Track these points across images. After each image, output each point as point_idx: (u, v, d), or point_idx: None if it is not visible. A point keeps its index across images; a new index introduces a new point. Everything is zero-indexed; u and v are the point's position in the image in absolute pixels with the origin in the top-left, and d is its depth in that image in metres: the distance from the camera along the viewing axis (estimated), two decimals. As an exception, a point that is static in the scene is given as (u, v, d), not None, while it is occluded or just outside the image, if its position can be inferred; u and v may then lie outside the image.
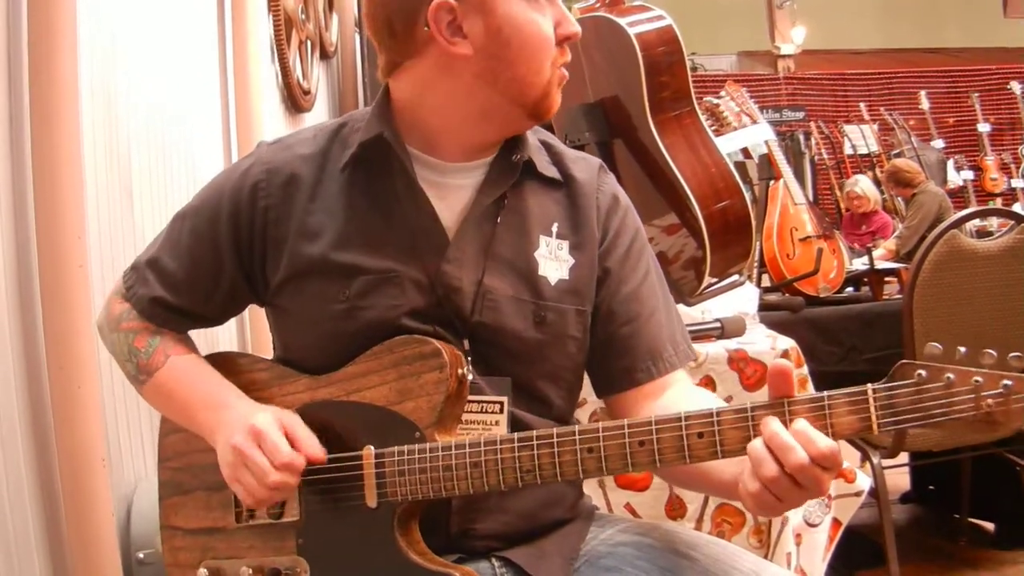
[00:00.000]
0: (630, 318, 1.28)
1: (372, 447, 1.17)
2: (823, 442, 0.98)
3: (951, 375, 0.96)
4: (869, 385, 1.00)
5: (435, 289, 1.20)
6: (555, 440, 1.09)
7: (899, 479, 3.60)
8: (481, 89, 1.19)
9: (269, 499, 1.17)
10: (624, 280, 1.29)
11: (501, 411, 1.20)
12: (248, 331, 2.86)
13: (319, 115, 4.18)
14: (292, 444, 1.15)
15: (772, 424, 1.00)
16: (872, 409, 0.99)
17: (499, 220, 1.24)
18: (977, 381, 0.95)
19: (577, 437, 1.08)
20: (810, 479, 0.98)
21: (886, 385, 0.99)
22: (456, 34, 1.16)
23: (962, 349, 0.98)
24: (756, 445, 1.00)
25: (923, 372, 0.98)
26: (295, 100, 3.67)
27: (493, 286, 1.21)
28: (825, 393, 1.01)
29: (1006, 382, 0.94)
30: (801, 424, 0.99)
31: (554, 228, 1.26)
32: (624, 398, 1.29)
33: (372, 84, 4.61)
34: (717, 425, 1.04)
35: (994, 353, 0.96)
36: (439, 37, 1.16)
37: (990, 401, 0.95)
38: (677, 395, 1.26)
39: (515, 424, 1.21)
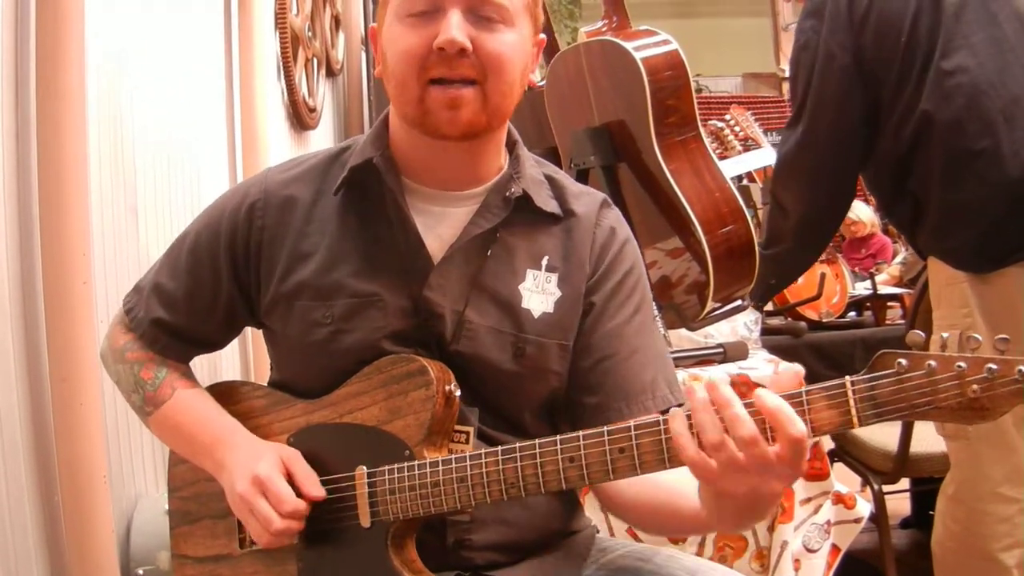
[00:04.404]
0: (606, 355, 1.25)
1: (364, 467, 1.17)
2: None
3: (933, 362, 0.92)
4: (848, 377, 0.95)
5: (418, 314, 1.21)
6: (537, 451, 1.08)
7: (900, 504, 3.58)
8: (393, 110, 1.24)
9: (275, 543, 1.17)
10: (608, 316, 1.26)
11: (467, 441, 1.20)
12: (251, 354, 2.87)
13: (324, 133, 4.19)
14: (293, 485, 1.16)
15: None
16: (851, 402, 0.94)
17: (489, 252, 1.23)
18: (960, 367, 0.90)
19: (559, 447, 1.07)
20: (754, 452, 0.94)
21: (865, 376, 0.95)
22: (383, 55, 1.23)
23: (945, 335, 0.93)
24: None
25: (904, 361, 0.93)
26: (301, 118, 3.68)
27: (473, 316, 1.21)
28: (803, 388, 0.97)
29: (991, 366, 0.89)
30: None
31: (544, 261, 1.25)
32: None
33: (378, 102, 4.62)
34: None
35: (979, 338, 0.91)
36: (375, 57, 1.25)
37: (975, 387, 0.90)
38: None
39: (491, 446, 1.19)
